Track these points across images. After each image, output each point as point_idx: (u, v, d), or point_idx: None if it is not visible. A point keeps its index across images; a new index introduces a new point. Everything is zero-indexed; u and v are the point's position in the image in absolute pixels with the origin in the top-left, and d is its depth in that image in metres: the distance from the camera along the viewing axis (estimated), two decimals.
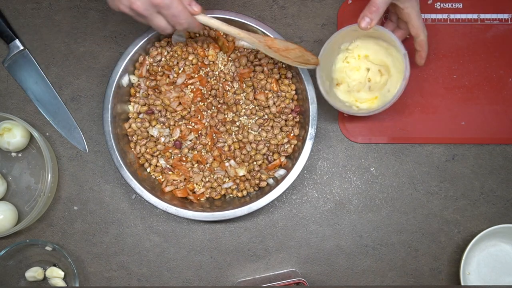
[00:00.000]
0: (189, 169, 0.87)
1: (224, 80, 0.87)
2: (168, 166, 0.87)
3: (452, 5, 0.92)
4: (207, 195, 0.88)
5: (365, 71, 0.86)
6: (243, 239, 0.91)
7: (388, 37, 0.81)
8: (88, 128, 0.93)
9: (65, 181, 0.92)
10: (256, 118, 0.87)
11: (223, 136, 0.87)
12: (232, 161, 0.86)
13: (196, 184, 0.87)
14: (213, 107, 0.87)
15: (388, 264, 0.90)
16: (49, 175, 0.87)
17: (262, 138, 0.86)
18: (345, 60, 0.86)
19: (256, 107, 0.87)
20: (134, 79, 0.88)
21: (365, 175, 0.92)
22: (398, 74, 0.83)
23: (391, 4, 0.80)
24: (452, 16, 0.92)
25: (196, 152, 0.87)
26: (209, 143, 0.87)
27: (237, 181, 0.87)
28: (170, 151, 0.87)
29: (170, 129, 0.87)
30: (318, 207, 0.91)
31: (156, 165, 0.88)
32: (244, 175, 0.86)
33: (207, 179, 0.87)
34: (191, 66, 0.87)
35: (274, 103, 0.87)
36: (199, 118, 0.87)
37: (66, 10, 0.94)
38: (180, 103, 0.87)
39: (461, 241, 0.90)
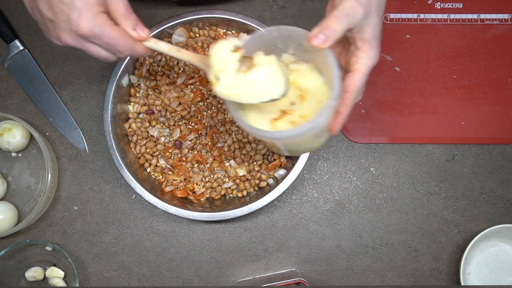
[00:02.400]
0: (189, 169, 0.87)
1: None
2: (168, 166, 0.87)
3: (452, 5, 0.92)
4: (207, 195, 0.88)
5: (286, 103, 0.68)
6: (243, 239, 0.91)
7: (330, 72, 0.63)
8: (88, 128, 0.93)
9: (65, 181, 0.92)
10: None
11: (223, 136, 0.87)
12: (232, 161, 0.86)
13: (196, 184, 0.87)
14: (213, 107, 0.87)
15: (388, 264, 0.90)
16: (49, 175, 0.87)
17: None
18: None
19: None
20: (134, 79, 0.88)
21: (365, 175, 0.92)
22: (316, 101, 0.68)
23: (342, 46, 0.66)
24: (452, 16, 0.92)
25: (196, 152, 0.87)
26: (209, 143, 0.87)
27: (237, 181, 0.87)
28: (170, 151, 0.87)
29: (170, 129, 0.87)
30: (318, 207, 0.91)
31: (156, 165, 0.88)
32: (244, 175, 0.86)
33: (207, 179, 0.87)
34: (191, 66, 0.87)
35: None
36: (199, 118, 0.87)
37: None
38: (180, 103, 0.87)
39: (461, 241, 0.90)
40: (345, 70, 0.67)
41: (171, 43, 0.88)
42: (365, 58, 0.64)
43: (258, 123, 0.67)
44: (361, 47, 0.64)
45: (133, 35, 0.63)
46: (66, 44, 0.62)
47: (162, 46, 0.67)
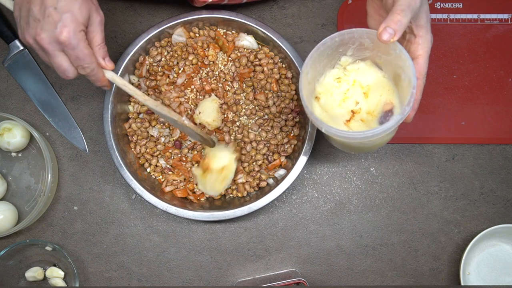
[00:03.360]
0: (189, 169, 0.87)
1: (224, 80, 0.87)
2: (168, 166, 0.87)
3: (452, 5, 0.92)
4: (207, 195, 0.88)
5: (352, 103, 0.72)
6: (243, 239, 0.91)
7: (402, 64, 0.67)
8: (88, 128, 0.93)
9: (65, 181, 0.92)
10: (256, 118, 0.87)
11: (224, 136, 0.87)
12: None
13: (196, 184, 0.87)
14: None
15: (388, 264, 0.90)
16: (49, 175, 0.87)
17: (262, 138, 0.86)
18: (337, 79, 0.73)
19: (256, 107, 0.87)
20: (134, 79, 0.88)
21: (365, 175, 0.92)
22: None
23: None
24: (452, 16, 0.92)
25: (196, 152, 0.87)
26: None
27: (236, 185, 0.87)
28: (170, 151, 0.87)
29: (170, 129, 0.87)
30: (318, 207, 0.91)
31: (156, 165, 0.88)
32: (243, 182, 0.87)
33: None
34: (191, 66, 0.87)
35: (274, 103, 0.87)
36: None
37: None
38: (180, 103, 0.87)
39: (461, 241, 0.90)
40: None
41: (171, 43, 0.88)
42: (424, 43, 0.68)
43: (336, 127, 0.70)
44: (419, 33, 0.68)
45: (101, 63, 0.72)
46: (39, 43, 0.68)
47: (118, 80, 0.75)
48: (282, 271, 0.90)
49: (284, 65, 0.88)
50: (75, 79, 0.92)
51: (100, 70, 0.73)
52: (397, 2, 0.65)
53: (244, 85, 0.87)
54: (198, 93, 0.87)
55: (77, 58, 0.69)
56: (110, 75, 0.74)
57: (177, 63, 0.87)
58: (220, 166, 0.83)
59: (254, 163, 0.87)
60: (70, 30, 0.66)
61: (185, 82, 0.87)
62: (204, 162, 0.84)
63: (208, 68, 0.87)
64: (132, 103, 0.89)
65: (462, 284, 0.86)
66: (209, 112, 0.86)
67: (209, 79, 0.87)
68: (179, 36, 0.87)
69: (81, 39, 0.68)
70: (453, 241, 0.90)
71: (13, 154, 0.92)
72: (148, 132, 0.87)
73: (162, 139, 0.87)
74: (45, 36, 0.67)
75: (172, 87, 0.87)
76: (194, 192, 0.87)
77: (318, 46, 0.70)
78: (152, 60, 0.87)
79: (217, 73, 0.87)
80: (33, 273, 0.90)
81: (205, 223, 0.91)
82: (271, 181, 0.87)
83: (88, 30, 0.70)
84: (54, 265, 0.91)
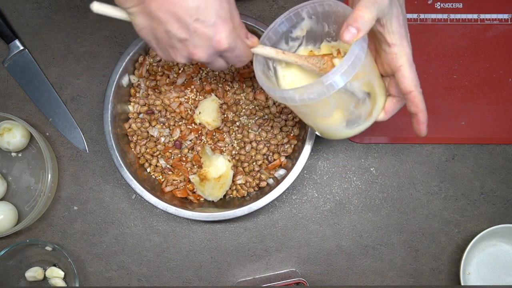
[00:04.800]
0: (189, 169, 0.87)
1: (224, 80, 0.87)
2: (168, 166, 0.87)
3: (452, 5, 0.92)
4: None
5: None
6: (243, 239, 0.91)
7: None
8: (88, 128, 0.93)
9: (65, 181, 0.92)
10: (256, 118, 0.87)
11: (224, 136, 0.87)
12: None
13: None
14: None
15: (388, 264, 0.90)
16: (49, 175, 0.87)
17: (262, 138, 0.87)
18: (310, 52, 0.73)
19: (256, 107, 0.87)
20: (134, 79, 0.88)
21: (365, 175, 0.92)
22: None
23: (374, 51, 0.66)
24: (452, 16, 0.92)
25: (196, 152, 0.87)
26: (210, 143, 0.87)
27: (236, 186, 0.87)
28: (170, 151, 0.87)
29: (170, 129, 0.87)
30: (318, 207, 0.91)
31: (156, 165, 0.88)
32: (242, 184, 0.87)
33: None
34: (191, 66, 0.87)
35: (274, 103, 0.87)
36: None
37: (66, 10, 0.94)
38: (180, 103, 0.87)
39: (461, 241, 0.90)
40: (390, 74, 0.66)
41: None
42: (401, 52, 0.62)
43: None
44: (392, 41, 0.62)
45: (247, 43, 0.65)
46: (198, 60, 0.62)
47: (268, 51, 0.68)
48: (282, 271, 0.90)
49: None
50: (75, 79, 0.93)
51: (251, 53, 0.66)
52: (361, 0, 0.60)
53: (244, 85, 0.87)
54: (198, 93, 0.87)
55: (237, 57, 0.63)
56: (259, 50, 0.67)
57: (177, 63, 0.87)
58: (217, 175, 0.84)
59: (254, 163, 0.87)
60: (227, 35, 0.59)
61: (185, 82, 0.87)
62: (201, 172, 0.85)
63: (208, 68, 0.87)
64: (132, 103, 0.89)
65: (462, 284, 0.86)
66: (209, 112, 0.86)
67: (209, 79, 0.87)
68: None
69: (237, 36, 0.61)
70: (453, 241, 0.90)
71: (13, 154, 0.92)
72: (148, 132, 0.87)
73: (162, 139, 0.87)
74: (202, 53, 0.60)
75: (172, 87, 0.87)
76: (194, 192, 0.87)
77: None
78: (152, 60, 0.87)
79: (217, 73, 0.87)
80: (33, 273, 0.90)
81: (205, 223, 0.91)
82: (271, 181, 0.87)
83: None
84: (54, 265, 0.91)
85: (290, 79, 0.72)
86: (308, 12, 0.69)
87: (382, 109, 0.69)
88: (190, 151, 0.87)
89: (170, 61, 0.64)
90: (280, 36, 0.71)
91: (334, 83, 0.60)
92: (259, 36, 0.86)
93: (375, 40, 0.66)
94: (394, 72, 0.64)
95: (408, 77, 0.63)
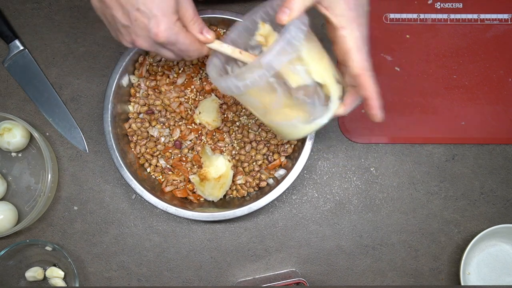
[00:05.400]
0: (189, 169, 0.87)
1: None
2: (168, 166, 0.87)
3: (452, 5, 0.92)
4: None
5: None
6: (243, 239, 0.91)
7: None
8: (88, 128, 0.93)
9: (65, 181, 0.92)
10: (256, 118, 0.87)
11: (224, 136, 0.87)
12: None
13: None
14: None
15: (388, 264, 0.90)
16: (49, 175, 0.87)
17: (262, 138, 0.86)
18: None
19: None
20: (134, 79, 0.88)
21: (365, 175, 0.92)
22: None
23: (332, 36, 0.64)
24: (452, 16, 0.92)
25: (196, 152, 0.87)
26: (210, 143, 0.87)
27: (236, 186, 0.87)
28: (170, 151, 0.87)
29: (170, 129, 0.87)
30: (318, 207, 0.91)
31: (156, 165, 0.88)
32: (242, 184, 0.87)
33: None
34: (191, 66, 0.87)
35: None
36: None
37: (66, 10, 0.94)
38: (180, 103, 0.87)
39: (461, 241, 0.90)
40: (343, 61, 0.64)
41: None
42: (350, 35, 0.61)
43: None
44: (341, 24, 0.61)
45: (200, 38, 0.65)
46: (140, 48, 0.64)
47: (225, 48, 0.67)
48: (282, 271, 0.90)
49: None
50: (75, 79, 0.93)
51: (204, 47, 0.67)
52: None
53: None
54: (198, 93, 0.87)
55: (181, 50, 0.64)
56: (215, 45, 0.67)
57: (177, 63, 0.87)
58: (217, 175, 0.84)
59: (254, 163, 0.87)
60: (165, 29, 0.60)
61: (185, 82, 0.87)
62: (201, 172, 0.85)
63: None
64: (132, 103, 0.89)
65: (462, 284, 0.86)
66: (209, 112, 0.86)
67: (209, 79, 0.87)
68: None
69: (179, 31, 0.62)
70: (453, 241, 0.90)
71: (13, 154, 0.92)
72: (148, 132, 0.87)
73: (162, 139, 0.87)
74: (142, 42, 0.62)
75: (172, 87, 0.87)
76: (194, 192, 0.87)
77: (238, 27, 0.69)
78: (152, 60, 0.87)
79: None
80: (33, 273, 0.90)
81: (205, 223, 0.91)
82: (271, 181, 0.87)
83: (178, 9, 0.62)
84: (54, 265, 0.91)
85: None
86: (263, 18, 0.68)
87: (340, 101, 0.66)
88: (190, 151, 0.87)
89: (117, 40, 0.66)
90: (240, 46, 0.70)
91: (273, 63, 0.59)
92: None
93: (330, 27, 0.64)
94: (344, 57, 0.62)
95: (356, 59, 0.61)
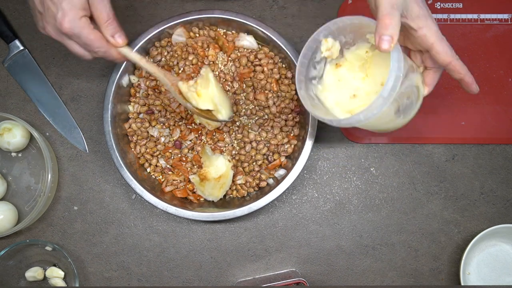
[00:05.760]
0: (189, 169, 0.87)
1: (224, 80, 0.87)
2: (168, 166, 0.87)
3: (452, 5, 0.92)
4: None
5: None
6: (243, 239, 0.91)
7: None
8: (88, 128, 0.93)
9: (65, 181, 0.92)
10: (256, 118, 0.87)
11: (224, 136, 0.87)
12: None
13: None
14: None
15: (388, 264, 0.90)
16: (49, 175, 0.87)
17: (262, 138, 0.87)
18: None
19: (256, 107, 0.87)
20: (134, 79, 0.88)
21: (365, 175, 0.92)
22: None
23: (402, 35, 0.69)
24: (452, 16, 0.92)
25: (196, 152, 0.87)
26: (210, 143, 0.87)
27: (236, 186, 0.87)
28: (170, 151, 0.87)
29: (170, 129, 0.87)
30: (318, 207, 0.91)
31: (156, 165, 0.88)
32: (242, 184, 0.87)
33: None
34: (191, 66, 0.87)
35: (274, 103, 0.87)
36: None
37: None
38: (180, 103, 0.87)
39: (461, 241, 0.90)
40: (423, 49, 0.69)
41: (171, 43, 0.88)
42: (429, 31, 0.65)
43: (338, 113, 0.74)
44: (418, 24, 0.65)
45: (110, 41, 0.70)
46: (49, 35, 0.70)
47: (133, 56, 0.74)
48: (282, 271, 0.90)
49: (284, 65, 0.88)
50: (75, 79, 0.93)
51: (112, 49, 0.71)
52: (380, 6, 0.63)
53: (244, 85, 0.87)
54: None
55: (85, 45, 0.69)
56: (124, 51, 0.73)
57: (177, 63, 0.87)
58: (217, 175, 0.84)
59: (254, 163, 0.87)
60: (69, 20, 0.66)
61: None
62: (201, 172, 0.85)
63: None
64: (132, 103, 0.89)
65: (462, 284, 0.86)
66: None
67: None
68: (179, 36, 0.87)
69: (83, 25, 0.67)
70: (453, 241, 0.90)
71: (13, 154, 0.92)
72: (148, 132, 0.87)
73: (162, 139, 0.87)
74: (50, 29, 0.68)
75: None
76: (194, 192, 0.87)
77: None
78: (152, 60, 0.87)
79: (217, 73, 0.87)
80: (33, 273, 0.90)
81: (205, 223, 0.91)
82: (271, 181, 0.87)
83: (91, 10, 0.68)
84: (54, 265, 0.91)
85: (332, 99, 0.76)
86: (325, 35, 0.72)
87: (423, 84, 0.72)
88: (190, 151, 0.87)
89: (38, 29, 0.72)
90: (307, 65, 0.75)
91: (392, 90, 0.64)
92: (258, 36, 0.87)
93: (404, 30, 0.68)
94: (428, 50, 0.67)
95: (442, 51, 0.66)
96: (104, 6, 0.68)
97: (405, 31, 0.68)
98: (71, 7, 0.66)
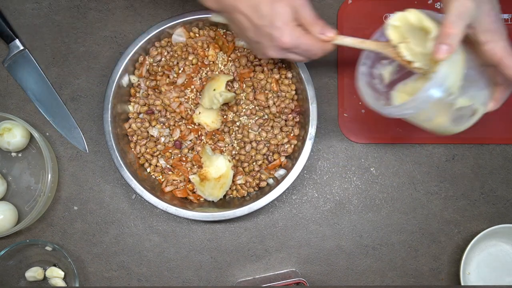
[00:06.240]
0: (189, 169, 0.87)
1: None
2: (168, 166, 0.87)
3: None
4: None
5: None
6: (243, 239, 0.91)
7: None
8: (88, 128, 0.93)
9: (65, 181, 0.92)
10: (256, 118, 0.87)
11: (224, 136, 0.87)
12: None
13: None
14: None
15: (388, 264, 0.90)
16: (49, 175, 0.87)
17: (262, 138, 0.86)
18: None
19: (256, 107, 0.87)
20: (134, 79, 0.88)
21: (365, 175, 0.92)
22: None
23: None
24: None
25: (196, 152, 0.87)
26: (210, 143, 0.87)
27: (236, 186, 0.87)
28: (170, 151, 0.87)
29: (170, 129, 0.87)
30: (318, 207, 0.91)
31: (156, 165, 0.88)
32: (242, 184, 0.87)
33: None
34: (191, 66, 0.87)
35: (274, 103, 0.87)
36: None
37: (66, 10, 0.94)
38: (180, 103, 0.87)
39: (461, 241, 0.90)
40: (492, 63, 0.66)
41: (171, 43, 0.88)
42: (496, 46, 0.64)
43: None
44: (486, 38, 0.63)
45: (322, 38, 0.71)
46: (271, 57, 0.73)
47: (348, 41, 0.73)
48: (282, 271, 0.90)
49: (284, 65, 0.88)
50: (75, 79, 0.93)
51: (327, 45, 0.72)
52: (447, 13, 0.61)
53: (244, 85, 0.87)
54: (198, 93, 0.87)
55: (305, 51, 0.71)
56: (338, 41, 0.72)
57: (177, 63, 0.87)
58: (217, 175, 0.84)
59: (254, 163, 0.87)
60: (287, 34, 0.68)
61: (185, 82, 0.87)
62: (201, 172, 0.85)
63: (208, 68, 0.87)
64: (132, 103, 0.89)
65: (462, 284, 0.86)
66: (209, 112, 0.86)
67: (208, 77, 0.87)
68: (179, 36, 0.87)
69: (299, 35, 0.69)
70: (453, 241, 0.90)
71: (13, 154, 0.92)
72: (148, 132, 0.87)
73: (162, 139, 0.87)
74: (271, 51, 0.71)
75: (172, 87, 0.87)
76: (194, 192, 0.87)
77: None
78: (152, 60, 0.87)
79: (217, 73, 0.87)
80: (33, 273, 0.90)
81: (205, 223, 0.91)
82: (271, 181, 0.87)
83: (298, 16, 0.69)
84: (54, 265, 0.91)
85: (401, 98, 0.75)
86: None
87: (490, 99, 0.71)
88: (190, 151, 0.87)
89: (258, 56, 0.76)
90: (373, 58, 0.75)
91: (430, 97, 0.63)
92: None
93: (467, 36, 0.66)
94: (496, 65, 0.65)
95: (510, 65, 0.64)
96: (307, 9, 0.70)
97: (474, 43, 0.66)
98: (284, 22, 0.68)
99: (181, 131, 0.87)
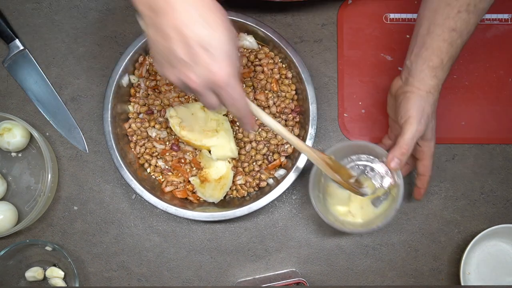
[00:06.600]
0: (188, 170, 0.87)
1: None
2: (167, 167, 0.87)
3: None
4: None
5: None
6: (243, 239, 0.91)
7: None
8: (88, 128, 0.93)
9: (65, 181, 0.92)
10: (256, 118, 0.87)
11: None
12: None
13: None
14: None
15: (388, 264, 0.90)
16: (49, 175, 0.87)
17: (262, 138, 0.86)
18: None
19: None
20: (134, 79, 0.88)
21: None
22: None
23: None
24: None
25: (193, 156, 0.87)
26: None
27: (236, 186, 0.87)
28: (168, 153, 0.87)
29: (167, 132, 0.87)
30: None
31: (156, 165, 0.88)
32: (242, 184, 0.87)
33: None
34: None
35: (274, 103, 0.87)
36: None
37: (66, 10, 0.94)
38: (180, 103, 0.87)
39: (461, 241, 0.90)
40: (413, 156, 0.82)
41: None
42: (428, 150, 0.79)
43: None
44: (424, 144, 0.78)
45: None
46: (187, 84, 0.61)
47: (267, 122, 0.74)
48: (282, 271, 0.90)
49: (284, 65, 0.88)
50: (75, 79, 0.93)
51: (252, 117, 0.69)
52: (403, 134, 0.74)
53: (244, 85, 0.87)
54: None
55: (232, 99, 0.62)
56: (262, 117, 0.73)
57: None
58: (218, 176, 0.84)
59: (254, 163, 0.87)
60: (227, 71, 0.60)
61: None
62: (201, 174, 0.84)
63: None
64: (132, 103, 0.89)
65: (462, 284, 0.86)
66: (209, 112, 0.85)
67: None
68: None
69: (238, 79, 0.62)
70: (453, 241, 0.90)
71: (13, 154, 0.92)
72: (147, 132, 0.87)
73: (159, 144, 0.87)
74: (196, 79, 0.60)
75: (172, 87, 0.87)
76: (193, 193, 0.87)
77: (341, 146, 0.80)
78: (152, 60, 0.87)
79: None
80: (33, 273, 0.90)
81: (205, 223, 0.91)
82: (271, 181, 0.87)
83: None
84: (54, 265, 0.91)
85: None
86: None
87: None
88: (188, 153, 0.87)
89: (161, 73, 0.63)
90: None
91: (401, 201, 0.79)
92: (258, 36, 0.87)
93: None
94: (418, 159, 0.81)
95: (427, 165, 0.80)
96: (238, 59, 0.63)
97: (419, 151, 0.80)
98: (228, 57, 0.59)
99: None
